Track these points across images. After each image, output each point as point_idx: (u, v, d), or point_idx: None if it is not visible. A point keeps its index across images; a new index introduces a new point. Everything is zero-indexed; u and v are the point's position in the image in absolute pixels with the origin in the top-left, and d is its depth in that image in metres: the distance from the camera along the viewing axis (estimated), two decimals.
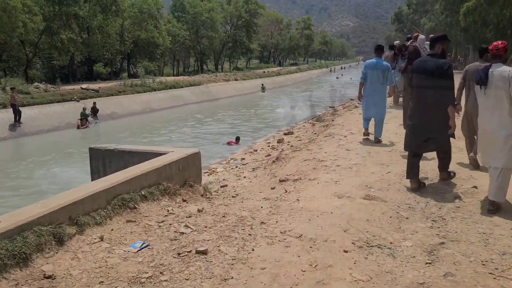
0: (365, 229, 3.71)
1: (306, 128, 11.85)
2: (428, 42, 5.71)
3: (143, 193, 4.16)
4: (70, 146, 14.60)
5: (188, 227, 3.67)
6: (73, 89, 21.97)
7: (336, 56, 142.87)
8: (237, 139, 12.88)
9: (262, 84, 38.00)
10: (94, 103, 19.81)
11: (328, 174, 5.61)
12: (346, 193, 4.70)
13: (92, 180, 5.59)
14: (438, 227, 3.76)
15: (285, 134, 11.59)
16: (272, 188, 5.44)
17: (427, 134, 4.71)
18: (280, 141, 10.15)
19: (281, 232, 3.61)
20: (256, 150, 9.55)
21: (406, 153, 5.04)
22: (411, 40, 9.79)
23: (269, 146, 9.98)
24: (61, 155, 13.26)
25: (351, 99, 21.54)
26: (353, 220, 3.91)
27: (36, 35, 24.97)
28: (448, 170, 4.99)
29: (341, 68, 76.92)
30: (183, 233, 3.57)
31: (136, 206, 3.96)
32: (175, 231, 3.62)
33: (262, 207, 4.31)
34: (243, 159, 8.65)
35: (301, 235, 3.55)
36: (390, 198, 4.53)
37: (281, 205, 4.40)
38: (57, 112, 18.57)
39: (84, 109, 18.98)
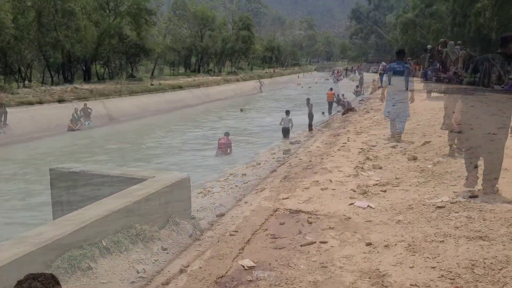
0: None
1: (315, 137, 10.67)
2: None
3: (105, 243, 2.98)
4: (50, 156, 12.69)
5: None
6: (66, 89, 20.81)
7: (337, 58, 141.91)
8: (226, 134, 12.25)
9: (260, 80, 36.62)
10: (85, 104, 18.67)
11: (351, 206, 4.44)
12: (382, 240, 3.52)
13: (53, 212, 4.44)
14: None
15: (291, 143, 10.41)
16: (282, 224, 4.26)
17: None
18: (286, 152, 8.98)
19: None
20: (259, 163, 8.36)
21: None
22: (439, 46, 10.79)
23: (273, 158, 8.80)
24: (33, 173, 10.78)
25: (360, 101, 20.44)
26: None
27: (29, 32, 23.74)
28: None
29: (345, 70, 75.54)
30: None
31: (92, 265, 2.79)
32: None
33: (270, 264, 3.14)
34: (244, 174, 7.47)
35: None
36: (441, 252, 3.32)
37: (297, 260, 3.22)
38: (46, 114, 17.38)
39: (76, 110, 17.90)
